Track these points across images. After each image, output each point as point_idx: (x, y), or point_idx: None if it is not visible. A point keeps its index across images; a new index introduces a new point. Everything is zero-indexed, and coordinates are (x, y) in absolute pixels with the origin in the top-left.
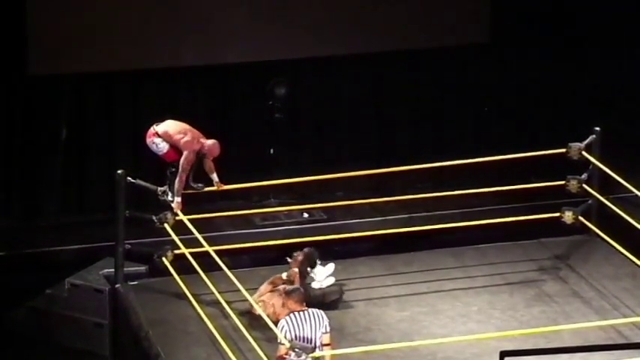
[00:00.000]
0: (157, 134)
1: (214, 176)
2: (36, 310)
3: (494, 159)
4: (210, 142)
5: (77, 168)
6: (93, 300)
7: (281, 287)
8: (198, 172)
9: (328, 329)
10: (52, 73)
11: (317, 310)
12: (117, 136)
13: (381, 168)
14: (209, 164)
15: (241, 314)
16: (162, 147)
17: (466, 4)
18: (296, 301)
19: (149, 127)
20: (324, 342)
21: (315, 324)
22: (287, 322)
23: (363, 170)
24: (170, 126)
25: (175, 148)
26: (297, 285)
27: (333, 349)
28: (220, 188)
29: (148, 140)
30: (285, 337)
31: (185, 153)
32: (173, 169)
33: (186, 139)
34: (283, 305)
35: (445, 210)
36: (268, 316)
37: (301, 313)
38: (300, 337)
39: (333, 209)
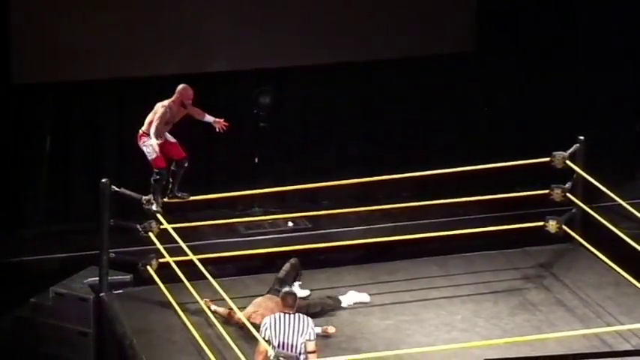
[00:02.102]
0: (144, 134)
1: (208, 117)
2: (20, 319)
3: (479, 168)
4: (179, 87)
5: (62, 177)
6: (77, 309)
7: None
8: (183, 182)
9: (313, 337)
10: (37, 82)
11: (305, 316)
12: (101, 145)
13: (367, 177)
14: (194, 111)
15: (226, 322)
16: (152, 147)
17: (452, 13)
18: (286, 304)
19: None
20: (308, 349)
21: (299, 329)
22: (269, 321)
23: (349, 179)
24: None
25: (163, 154)
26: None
27: (318, 357)
28: (221, 124)
29: (140, 143)
30: (265, 336)
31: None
32: (157, 177)
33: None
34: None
35: (429, 219)
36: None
37: (287, 315)
38: (279, 339)
39: (318, 218)
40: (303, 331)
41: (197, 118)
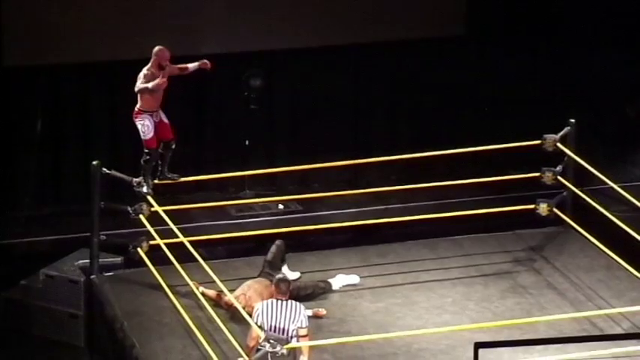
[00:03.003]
0: (140, 111)
1: (191, 66)
2: (10, 301)
3: (470, 150)
4: (154, 50)
5: (53, 159)
6: (68, 291)
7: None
8: (173, 164)
9: (305, 324)
10: (28, 64)
11: (297, 303)
12: (93, 128)
13: (357, 160)
14: (175, 69)
15: (216, 305)
16: (147, 126)
17: None
18: (279, 291)
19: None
20: (300, 334)
21: (291, 316)
22: (262, 306)
23: (339, 162)
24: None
25: (156, 135)
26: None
27: (310, 340)
28: (207, 65)
29: (136, 122)
30: (257, 321)
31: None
32: (147, 158)
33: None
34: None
35: (420, 202)
36: (243, 307)
37: (280, 301)
38: (271, 324)
39: (309, 201)
40: (295, 317)
41: (182, 73)
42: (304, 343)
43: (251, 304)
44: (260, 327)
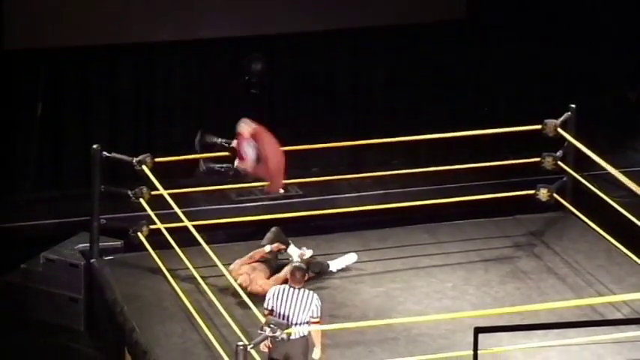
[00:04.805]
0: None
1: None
2: (11, 285)
3: (470, 134)
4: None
5: (53, 143)
6: (68, 275)
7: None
8: (172, 147)
9: (317, 314)
10: (28, 47)
11: (311, 292)
12: (93, 111)
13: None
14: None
15: (218, 290)
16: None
17: None
18: (294, 279)
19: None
20: (313, 329)
21: (303, 305)
22: (275, 291)
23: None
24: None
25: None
26: (301, 264)
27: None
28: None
29: (245, 142)
30: (268, 306)
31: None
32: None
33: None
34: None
35: (420, 186)
36: (244, 287)
37: (293, 289)
38: (281, 312)
39: (309, 185)
40: (307, 307)
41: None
42: (313, 327)
43: (253, 287)
44: (271, 311)
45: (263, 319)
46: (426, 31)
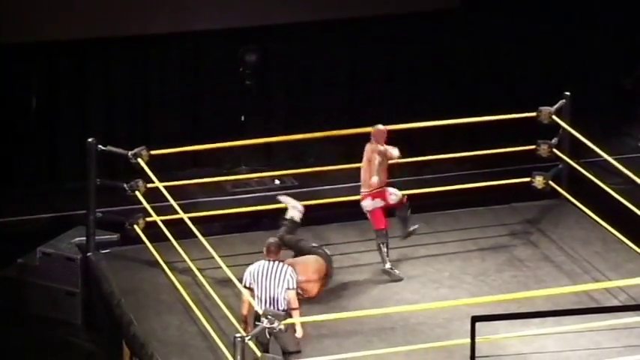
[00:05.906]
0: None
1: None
2: (7, 279)
3: (464, 121)
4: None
5: (48, 136)
6: (65, 268)
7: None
8: (168, 138)
9: (292, 285)
10: (23, 41)
11: (285, 265)
12: (88, 104)
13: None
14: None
15: (215, 282)
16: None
17: None
18: (269, 252)
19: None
20: (289, 297)
21: (278, 278)
22: (252, 268)
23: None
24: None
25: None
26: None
27: (300, 314)
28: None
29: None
30: (246, 283)
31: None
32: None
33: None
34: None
35: (416, 175)
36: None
37: (269, 262)
38: (258, 285)
39: (305, 175)
40: (283, 278)
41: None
42: (298, 319)
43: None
44: (250, 289)
45: (247, 294)
46: (421, 20)
